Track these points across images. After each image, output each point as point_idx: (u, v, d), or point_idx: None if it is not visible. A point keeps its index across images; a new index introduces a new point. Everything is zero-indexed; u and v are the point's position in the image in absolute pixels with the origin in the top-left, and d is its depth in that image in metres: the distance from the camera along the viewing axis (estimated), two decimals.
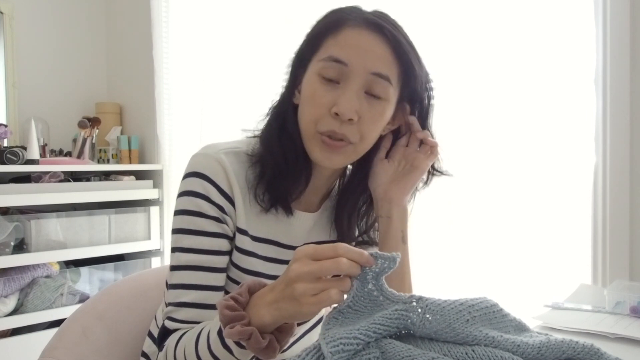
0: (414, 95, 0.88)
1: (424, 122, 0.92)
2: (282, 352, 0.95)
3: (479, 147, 1.66)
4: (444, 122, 1.71)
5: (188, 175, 0.86)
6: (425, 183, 0.96)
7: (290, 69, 0.89)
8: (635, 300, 1.00)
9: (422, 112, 0.91)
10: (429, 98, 0.90)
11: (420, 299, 0.61)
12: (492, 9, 1.62)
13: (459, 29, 1.68)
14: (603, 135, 1.38)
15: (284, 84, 0.90)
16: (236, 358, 0.73)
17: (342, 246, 0.64)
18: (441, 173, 0.96)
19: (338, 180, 0.96)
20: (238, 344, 0.71)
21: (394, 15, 0.87)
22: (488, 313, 0.63)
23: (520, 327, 0.66)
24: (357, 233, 0.98)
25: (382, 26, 0.81)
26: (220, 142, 0.92)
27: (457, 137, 1.70)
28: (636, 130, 1.34)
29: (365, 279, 0.64)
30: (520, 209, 1.59)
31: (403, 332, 0.62)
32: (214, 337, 0.74)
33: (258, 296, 0.71)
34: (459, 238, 1.71)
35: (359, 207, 0.95)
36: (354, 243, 0.99)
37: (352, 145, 0.84)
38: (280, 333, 0.71)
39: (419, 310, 0.60)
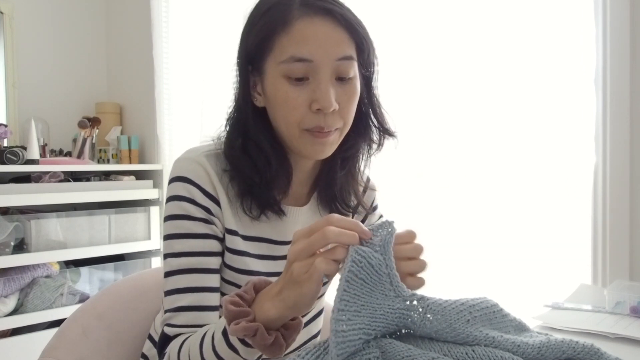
0: (367, 65, 0.87)
1: (369, 88, 0.90)
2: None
3: (479, 147, 1.66)
4: (445, 122, 1.72)
5: (172, 180, 0.86)
6: (379, 146, 0.93)
7: (239, 72, 0.86)
8: (635, 300, 1.00)
9: (371, 79, 0.90)
10: (375, 64, 0.89)
11: (421, 298, 0.61)
12: (492, 9, 1.62)
13: (460, 29, 1.68)
14: (603, 135, 1.38)
15: (235, 88, 0.87)
16: (242, 357, 0.72)
17: (334, 216, 0.64)
18: (389, 134, 0.93)
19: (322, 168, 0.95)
20: (244, 342, 0.70)
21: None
22: (488, 313, 0.63)
23: (520, 327, 0.66)
24: (349, 205, 0.97)
25: (330, 9, 0.80)
26: (202, 145, 0.91)
27: (457, 137, 1.70)
28: (636, 130, 1.34)
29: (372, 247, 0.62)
30: (520, 209, 1.59)
31: (403, 331, 0.62)
32: (219, 337, 0.73)
33: (264, 293, 0.70)
34: (459, 238, 1.71)
35: (336, 179, 0.94)
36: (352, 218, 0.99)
37: (338, 131, 0.84)
38: (286, 330, 0.70)
39: (420, 309, 0.60)
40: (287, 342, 0.70)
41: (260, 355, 0.74)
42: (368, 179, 1.01)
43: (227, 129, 0.88)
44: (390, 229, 0.64)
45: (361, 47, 0.83)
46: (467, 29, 1.67)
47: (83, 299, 2.38)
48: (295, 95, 0.80)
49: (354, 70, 0.83)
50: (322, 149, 0.84)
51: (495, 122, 1.63)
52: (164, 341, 0.83)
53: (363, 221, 1.02)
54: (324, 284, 0.94)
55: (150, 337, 1.00)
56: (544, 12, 1.53)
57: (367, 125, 0.91)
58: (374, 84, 0.90)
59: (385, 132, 0.92)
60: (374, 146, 0.93)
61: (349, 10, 0.83)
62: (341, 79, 0.81)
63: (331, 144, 0.84)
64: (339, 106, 0.81)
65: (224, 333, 0.72)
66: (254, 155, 0.85)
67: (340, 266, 0.63)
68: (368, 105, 0.91)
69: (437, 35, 1.72)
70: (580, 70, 1.45)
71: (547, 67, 1.52)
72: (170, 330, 0.83)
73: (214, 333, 0.74)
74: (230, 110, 0.89)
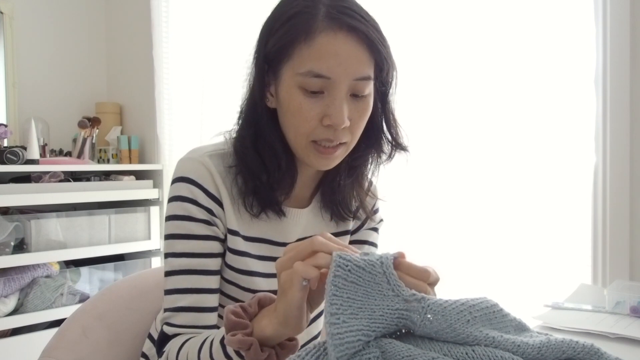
0: (384, 82, 0.87)
1: (385, 102, 0.90)
2: None
3: (479, 147, 1.66)
4: (444, 121, 1.72)
5: (175, 180, 0.87)
6: (389, 157, 0.93)
7: (254, 70, 0.85)
8: (635, 300, 1.00)
9: (387, 94, 0.89)
10: (393, 79, 0.88)
11: (422, 298, 0.61)
12: (492, 9, 1.62)
13: (460, 28, 1.68)
14: (603, 135, 1.38)
15: (249, 83, 0.86)
16: None
17: (325, 234, 0.66)
18: (402, 148, 0.93)
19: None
20: (239, 354, 0.71)
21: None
22: (488, 313, 0.62)
23: (520, 327, 0.66)
24: (351, 210, 0.97)
25: (354, 27, 0.78)
26: (206, 145, 0.91)
27: (458, 136, 1.70)
28: (636, 130, 1.34)
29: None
30: (520, 208, 1.59)
31: (403, 331, 0.62)
32: (217, 345, 0.74)
33: (265, 309, 0.71)
34: (459, 238, 1.71)
35: (341, 185, 0.94)
36: (352, 222, 0.99)
37: (345, 145, 0.84)
38: (282, 349, 0.71)
39: (420, 310, 0.60)
40: None
41: None
42: (370, 182, 1.00)
43: (240, 123, 0.88)
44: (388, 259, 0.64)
45: (380, 66, 0.83)
46: (467, 29, 1.67)
47: (83, 299, 2.38)
48: (309, 108, 0.79)
49: (369, 89, 0.82)
50: (326, 163, 0.84)
51: (495, 122, 1.63)
52: (162, 340, 0.84)
53: (363, 224, 1.02)
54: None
55: (151, 337, 1.01)
56: (544, 12, 1.53)
57: (379, 137, 0.91)
58: (390, 98, 0.90)
59: (397, 146, 0.92)
60: (384, 157, 0.93)
61: (373, 27, 0.81)
62: (355, 95, 0.81)
63: (336, 158, 0.85)
64: (350, 122, 0.81)
65: (222, 342, 0.73)
66: (265, 155, 0.85)
67: (322, 271, 0.63)
68: (382, 118, 0.90)
69: (436, 35, 1.72)
70: (580, 70, 1.45)
71: (547, 67, 1.52)
72: (169, 330, 0.83)
73: (212, 340, 0.75)
74: (242, 105, 0.88)
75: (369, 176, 0.97)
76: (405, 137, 0.92)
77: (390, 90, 0.89)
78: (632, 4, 1.33)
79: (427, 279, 0.64)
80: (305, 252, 0.64)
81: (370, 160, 0.94)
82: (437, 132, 1.73)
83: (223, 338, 0.73)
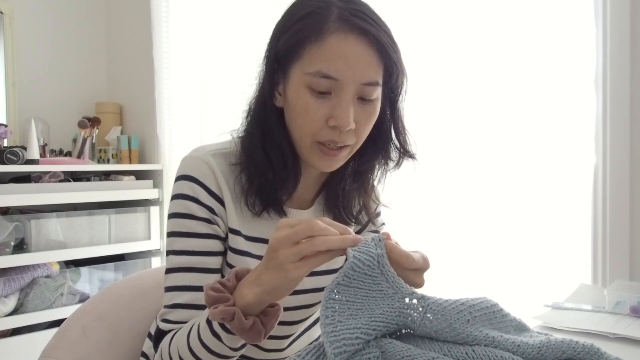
0: (393, 88, 0.87)
1: (394, 109, 0.89)
2: (281, 351, 0.95)
3: (479, 147, 1.66)
4: (445, 122, 1.72)
5: (178, 178, 0.87)
6: (397, 164, 0.93)
7: (265, 68, 0.86)
8: (635, 300, 1.00)
9: (396, 100, 0.89)
10: (403, 85, 0.88)
11: (422, 297, 0.61)
12: (492, 9, 1.62)
13: (460, 28, 1.68)
14: (603, 135, 1.38)
15: (259, 81, 0.87)
16: (225, 345, 0.73)
17: (326, 219, 0.68)
18: (410, 155, 0.93)
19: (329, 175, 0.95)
20: (226, 329, 0.72)
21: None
22: (488, 313, 0.63)
23: (520, 327, 0.66)
24: (354, 214, 0.97)
25: (366, 30, 0.79)
26: (210, 143, 0.92)
27: (458, 136, 1.70)
28: (636, 130, 1.34)
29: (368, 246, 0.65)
30: (520, 208, 1.59)
31: (403, 331, 0.62)
32: (203, 325, 0.75)
33: (243, 279, 0.72)
34: (459, 238, 1.71)
35: (346, 190, 0.94)
36: (353, 226, 0.99)
37: (349, 147, 0.84)
38: (265, 316, 0.72)
39: (420, 309, 0.60)
40: (266, 328, 0.71)
41: (244, 344, 0.75)
42: (373, 186, 1.00)
43: (248, 121, 0.88)
44: (381, 246, 0.66)
45: (390, 71, 0.83)
46: (467, 30, 1.67)
47: (83, 299, 2.38)
48: (315, 108, 0.80)
49: (377, 93, 0.82)
50: (330, 164, 0.85)
51: (495, 122, 1.63)
52: (158, 335, 0.85)
53: (365, 227, 1.01)
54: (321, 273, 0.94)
55: (150, 336, 1.01)
56: (544, 12, 1.53)
57: (386, 143, 0.91)
58: (399, 105, 0.89)
59: (405, 153, 0.92)
60: (391, 164, 0.93)
61: (384, 31, 0.81)
62: (363, 99, 0.81)
63: (339, 160, 0.85)
64: (355, 125, 0.81)
65: (208, 321, 0.74)
66: (271, 153, 0.85)
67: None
68: (390, 124, 0.90)
69: (437, 35, 1.72)
70: (580, 70, 1.45)
71: (547, 67, 1.52)
72: (164, 326, 0.84)
73: (199, 323, 0.76)
74: (251, 104, 0.88)
75: (375, 184, 0.97)
76: (413, 145, 0.92)
77: (400, 97, 0.89)
78: (632, 4, 1.33)
79: (409, 265, 0.66)
80: (303, 235, 0.65)
81: (377, 167, 0.94)
82: (435, 130, 1.72)
83: (209, 319, 0.73)
